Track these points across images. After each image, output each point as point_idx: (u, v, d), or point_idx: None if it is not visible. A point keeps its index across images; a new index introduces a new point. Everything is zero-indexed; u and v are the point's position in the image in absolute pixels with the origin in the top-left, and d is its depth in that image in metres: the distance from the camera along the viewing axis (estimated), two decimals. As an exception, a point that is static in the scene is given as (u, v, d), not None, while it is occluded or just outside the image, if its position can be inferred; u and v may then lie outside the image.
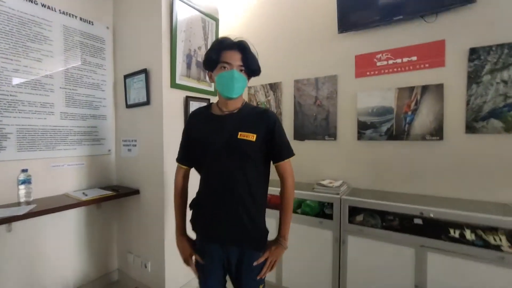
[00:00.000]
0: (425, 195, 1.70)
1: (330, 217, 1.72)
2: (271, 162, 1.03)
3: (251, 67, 0.98)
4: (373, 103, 1.86)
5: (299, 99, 2.21)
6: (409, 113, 1.73)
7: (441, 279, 1.36)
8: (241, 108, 1.01)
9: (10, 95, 1.51)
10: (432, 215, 1.38)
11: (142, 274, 1.93)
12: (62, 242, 1.79)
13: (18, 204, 1.50)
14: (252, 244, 0.98)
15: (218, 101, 1.06)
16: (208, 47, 1.94)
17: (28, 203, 1.52)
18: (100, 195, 1.71)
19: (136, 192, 1.91)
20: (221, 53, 0.94)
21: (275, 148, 0.99)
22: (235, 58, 0.94)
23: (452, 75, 1.60)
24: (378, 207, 1.56)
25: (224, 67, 0.94)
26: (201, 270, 1.05)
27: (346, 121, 2.00)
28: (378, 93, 1.84)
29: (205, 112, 1.07)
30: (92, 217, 1.96)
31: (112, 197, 1.77)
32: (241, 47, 0.95)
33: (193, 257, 1.08)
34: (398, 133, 1.77)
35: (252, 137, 0.94)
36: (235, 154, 0.94)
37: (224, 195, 0.95)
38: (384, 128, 1.82)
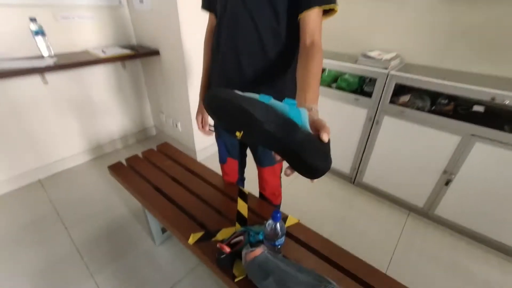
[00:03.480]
0: (504, 77, 1.32)
1: (369, 95, 1.49)
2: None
3: None
4: None
5: None
6: None
7: (478, 169, 1.24)
8: None
9: None
10: (507, 102, 1.08)
11: (175, 133, 2.09)
12: (98, 97, 1.88)
13: (41, 57, 1.46)
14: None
15: None
16: None
17: (50, 56, 1.48)
18: (119, 53, 1.60)
19: (155, 52, 1.77)
20: None
21: None
22: None
23: None
24: (435, 88, 1.26)
25: None
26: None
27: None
28: None
29: None
30: (120, 76, 1.95)
31: (132, 56, 1.65)
32: None
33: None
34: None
35: None
36: None
37: (230, 50, 0.75)
38: (488, -28, 1.21)
